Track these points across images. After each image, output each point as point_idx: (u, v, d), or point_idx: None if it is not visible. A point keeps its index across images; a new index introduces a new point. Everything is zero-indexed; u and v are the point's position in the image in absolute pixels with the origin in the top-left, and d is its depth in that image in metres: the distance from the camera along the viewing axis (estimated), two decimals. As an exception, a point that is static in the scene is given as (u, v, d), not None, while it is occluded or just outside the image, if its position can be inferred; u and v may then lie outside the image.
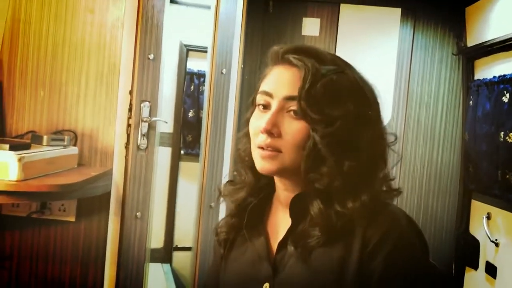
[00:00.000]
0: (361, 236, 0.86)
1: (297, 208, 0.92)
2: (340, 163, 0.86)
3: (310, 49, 0.92)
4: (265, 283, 0.92)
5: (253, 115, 0.94)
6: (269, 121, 0.88)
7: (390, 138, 0.95)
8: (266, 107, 0.91)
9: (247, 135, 0.98)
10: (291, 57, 0.90)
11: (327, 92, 0.86)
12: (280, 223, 0.97)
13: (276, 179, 0.97)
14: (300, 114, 0.87)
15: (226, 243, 1.03)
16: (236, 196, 1.01)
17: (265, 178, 0.98)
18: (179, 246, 3.93)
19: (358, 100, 0.89)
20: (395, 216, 0.88)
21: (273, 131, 0.88)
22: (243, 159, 1.01)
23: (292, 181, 0.93)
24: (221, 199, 1.06)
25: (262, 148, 0.89)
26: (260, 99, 0.92)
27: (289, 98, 0.88)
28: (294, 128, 0.88)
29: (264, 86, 0.93)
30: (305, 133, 0.87)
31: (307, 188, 0.90)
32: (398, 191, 0.94)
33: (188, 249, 3.15)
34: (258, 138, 0.90)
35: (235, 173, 1.05)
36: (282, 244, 0.93)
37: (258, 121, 0.91)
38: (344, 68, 0.91)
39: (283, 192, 0.96)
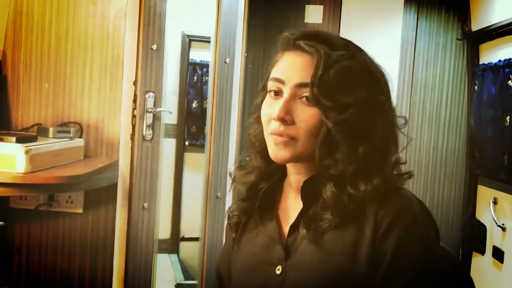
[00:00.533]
0: (374, 218, 0.86)
1: (308, 192, 0.92)
2: (354, 148, 0.87)
3: (322, 34, 0.92)
4: (277, 265, 0.92)
5: (265, 101, 0.94)
6: (282, 108, 0.87)
7: (400, 121, 0.95)
8: (277, 93, 0.91)
9: (258, 120, 0.98)
10: (302, 43, 0.89)
11: (340, 79, 0.86)
12: (291, 206, 0.98)
13: (288, 164, 0.97)
14: (313, 101, 0.87)
15: (238, 226, 1.04)
16: (246, 180, 1.01)
17: (276, 163, 0.97)
18: (185, 236, 3.95)
19: (370, 86, 0.90)
20: (407, 199, 0.88)
21: (286, 118, 0.87)
22: (253, 144, 1.01)
23: (304, 166, 0.93)
24: (228, 188, 1.06)
25: (275, 135, 0.89)
26: (271, 85, 0.92)
27: (302, 85, 0.88)
28: (306, 115, 0.88)
29: (276, 72, 0.92)
30: (318, 119, 0.87)
31: (320, 172, 0.90)
32: (409, 174, 0.94)
33: (195, 239, 3.17)
34: (270, 126, 0.90)
35: (247, 158, 1.05)
36: (294, 227, 0.93)
37: (270, 108, 0.91)
38: (355, 52, 0.91)
39: (295, 176, 0.96)
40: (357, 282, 0.85)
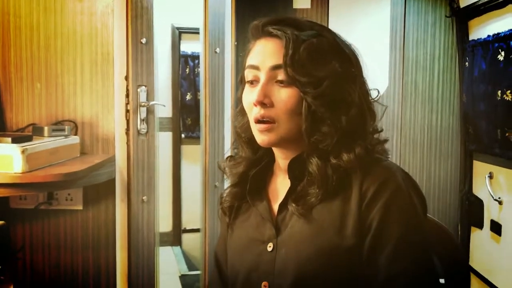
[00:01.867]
0: (358, 190, 0.89)
1: (295, 170, 0.96)
2: (337, 119, 0.90)
3: (287, 18, 0.95)
4: (269, 243, 0.95)
5: (244, 91, 0.98)
6: (260, 92, 0.91)
7: (374, 93, 0.98)
8: (253, 82, 0.95)
9: (242, 112, 1.02)
10: (270, 28, 0.93)
11: (310, 55, 0.90)
12: (280, 187, 1.01)
13: (274, 149, 1.00)
14: (288, 80, 0.90)
15: (231, 210, 1.07)
16: (235, 171, 1.05)
17: (262, 151, 1.02)
18: (187, 228, 3.98)
19: (341, 59, 0.93)
20: (390, 169, 0.91)
21: (265, 101, 0.91)
22: (239, 135, 1.05)
23: (290, 149, 0.97)
24: (225, 176, 1.09)
25: (258, 121, 0.92)
26: (248, 74, 0.95)
27: (276, 67, 0.91)
28: (284, 96, 0.91)
29: (250, 60, 0.96)
30: (296, 98, 0.91)
31: (305, 150, 0.94)
32: (385, 140, 0.98)
33: (196, 230, 3.20)
34: (253, 112, 0.93)
35: (235, 150, 1.09)
36: (283, 204, 0.97)
37: (249, 95, 0.95)
38: (322, 31, 0.95)
39: (282, 160, 1.00)
40: (345, 253, 0.87)
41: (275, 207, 0.99)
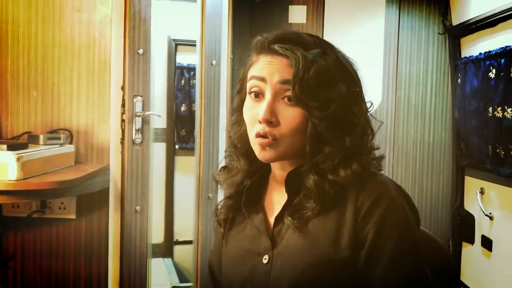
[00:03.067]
0: (354, 202, 0.90)
1: (292, 183, 0.96)
2: (341, 140, 0.91)
3: (294, 36, 0.95)
4: (264, 255, 0.95)
5: (246, 103, 0.96)
6: (267, 110, 0.90)
7: (368, 105, 0.99)
8: (258, 95, 0.93)
9: (238, 122, 1.01)
10: (277, 47, 0.92)
11: (319, 78, 0.90)
12: (276, 199, 1.01)
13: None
14: (296, 101, 0.90)
15: (226, 222, 1.07)
16: (231, 181, 1.04)
17: (259, 162, 1.00)
18: (179, 240, 3.96)
19: (347, 80, 0.93)
20: (384, 184, 0.92)
21: (271, 120, 0.90)
22: (235, 146, 1.04)
23: (289, 162, 0.97)
24: (219, 188, 1.09)
25: (260, 136, 0.91)
26: (252, 85, 0.94)
27: (284, 82, 0.90)
28: (290, 115, 0.91)
29: (255, 72, 0.94)
30: (301, 118, 0.91)
31: (302, 164, 0.94)
32: (382, 157, 0.99)
33: (188, 242, 3.18)
34: (255, 127, 0.92)
35: (228, 158, 1.08)
36: (279, 217, 0.97)
37: (253, 110, 0.93)
38: (326, 49, 0.94)
39: (279, 171, 1.00)
40: (340, 266, 0.88)
41: (271, 220, 0.99)
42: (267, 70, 0.92)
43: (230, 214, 1.06)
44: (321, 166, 0.91)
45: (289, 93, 0.90)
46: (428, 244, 1.06)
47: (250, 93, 0.94)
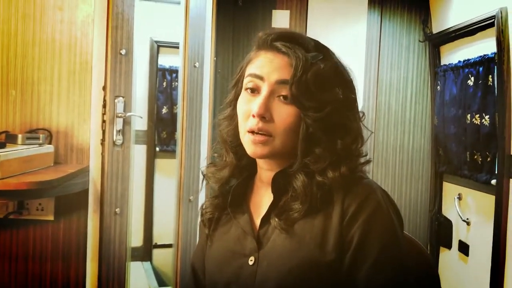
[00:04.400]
0: (340, 204, 0.90)
1: (279, 184, 0.96)
2: (333, 143, 0.92)
3: (296, 36, 0.96)
4: (250, 256, 0.95)
5: (241, 98, 0.97)
6: (261, 105, 0.91)
7: (360, 115, 1.01)
8: (254, 90, 0.94)
9: (229, 117, 1.02)
10: (279, 44, 0.93)
11: (317, 80, 0.91)
12: (262, 200, 1.01)
13: (259, 160, 1.00)
14: (292, 100, 0.91)
15: (211, 222, 1.06)
16: (219, 177, 1.04)
17: (247, 159, 1.01)
18: (158, 243, 3.92)
19: (343, 86, 0.95)
20: (371, 187, 0.93)
21: (265, 115, 0.91)
22: (225, 140, 1.04)
23: (277, 162, 0.97)
24: (200, 187, 1.09)
25: (252, 132, 0.92)
26: (249, 81, 0.95)
27: (281, 82, 0.92)
28: (284, 113, 0.92)
29: (253, 69, 0.95)
30: (295, 117, 0.92)
31: (290, 165, 0.95)
32: (368, 161, 1.01)
33: (167, 246, 3.16)
34: (248, 122, 0.93)
35: (215, 154, 1.07)
36: (265, 218, 0.97)
37: (247, 105, 0.94)
38: (325, 53, 0.96)
39: (266, 172, 1.00)
40: (326, 268, 0.88)
41: (257, 221, 0.99)
42: (266, 69, 0.93)
43: (216, 213, 1.05)
44: (312, 167, 0.91)
45: (285, 92, 0.91)
46: (409, 247, 1.07)
47: (246, 89, 0.95)
